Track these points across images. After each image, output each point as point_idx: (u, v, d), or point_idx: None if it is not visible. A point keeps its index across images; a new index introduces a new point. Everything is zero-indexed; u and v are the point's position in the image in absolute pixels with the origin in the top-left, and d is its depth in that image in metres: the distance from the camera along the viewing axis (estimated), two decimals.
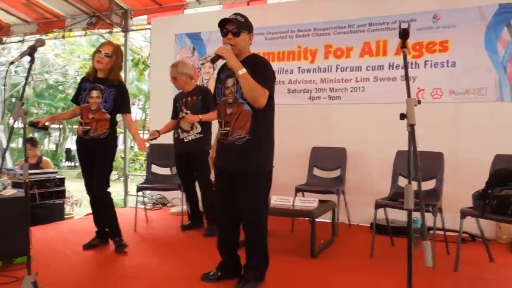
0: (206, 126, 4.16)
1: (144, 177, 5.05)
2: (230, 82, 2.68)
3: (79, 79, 14.99)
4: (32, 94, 16.07)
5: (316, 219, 4.27)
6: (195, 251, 3.59)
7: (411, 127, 1.76)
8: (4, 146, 7.44)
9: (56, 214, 4.97)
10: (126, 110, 3.58)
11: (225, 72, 2.74)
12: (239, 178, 2.65)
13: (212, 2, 5.55)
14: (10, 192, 3.40)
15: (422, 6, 4.45)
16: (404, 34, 1.97)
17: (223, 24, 2.66)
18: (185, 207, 4.54)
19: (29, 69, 2.58)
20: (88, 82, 3.49)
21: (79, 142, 3.58)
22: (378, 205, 3.41)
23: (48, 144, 18.94)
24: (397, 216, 4.00)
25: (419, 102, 1.83)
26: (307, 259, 3.34)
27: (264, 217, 2.76)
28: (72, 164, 18.15)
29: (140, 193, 4.77)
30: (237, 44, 2.63)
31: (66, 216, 5.79)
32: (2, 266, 3.03)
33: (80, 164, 3.62)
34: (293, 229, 4.30)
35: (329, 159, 4.61)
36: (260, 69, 2.61)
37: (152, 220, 4.88)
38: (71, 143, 19.04)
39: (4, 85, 2.97)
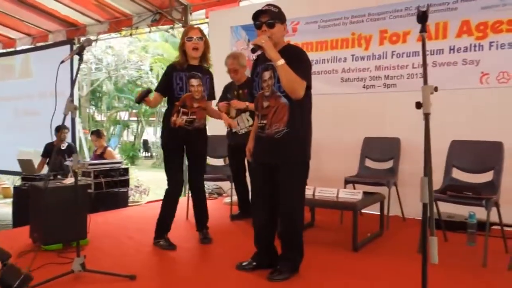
0: None
1: None
2: (267, 75, 2.67)
3: (150, 74, 15.98)
4: (113, 89, 17.32)
5: (366, 212, 4.19)
6: (240, 240, 3.66)
7: (426, 117, 1.65)
8: (83, 138, 8.11)
9: (120, 201, 5.33)
10: (214, 97, 3.59)
11: (261, 65, 2.73)
12: (276, 170, 2.65)
13: None
14: (71, 180, 3.71)
15: None
16: (423, 17, 1.83)
17: (257, 16, 2.64)
18: (235, 197, 4.64)
19: (78, 66, 2.80)
20: (182, 71, 3.35)
21: (178, 133, 3.37)
22: None
23: (127, 136, 20.28)
24: (456, 210, 3.73)
25: (435, 89, 1.71)
26: (347, 252, 3.26)
27: (301, 208, 2.75)
28: (148, 154, 19.30)
29: None
30: (273, 35, 2.60)
31: (133, 204, 6.22)
32: (62, 248, 3.34)
33: (173, 155, 3.44)
34: (342, 221, 4.20)
35: (381, 150, 4.42)
36: (297, 60, 2.58)
37: None
38: (146, 135, 20.24)
39: (74, 80, 3.05)
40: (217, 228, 4.04)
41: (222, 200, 5.52)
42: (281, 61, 2.49)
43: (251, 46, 2.61)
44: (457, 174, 3.53)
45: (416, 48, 4.44)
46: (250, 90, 2.89)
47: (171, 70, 3.39)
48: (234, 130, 4.23)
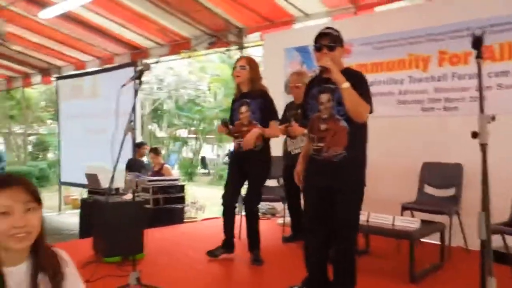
0: None
1: None
2: (324, 97, 2.66)
3: (208, 93, 16.48)
4: (174, 107, 18.01)
5: (426, 241, 3.99)
6: (291, 263, 3.62)
7: (483, 147, 1.57)
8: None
9: (176, 217, 5.50)
10: (272, 117, 3.67)
11: (317, 87, 2.72)
12: (332, 193, 2.62)
13: (320, 15, 5.56)
14: (130, 196, 3.90)
15: None
16: (477, 43, 1.74)
17: (318, 38, 2.67)
18: (288, 219, 4.61)
19: (136, 91, 2.95)
20: (236, 101, 3.73)
21: (234, 155, 3.82)
22: (493, 230, 3.01)
23: (186, 152, 20.89)
24: None
25: (493, 118, 1.62)
26: (404, 283, 3.11)
27: (356, 234, 2.72)
28: (206, 171, 19.73)
29: None
30: (333, 58, 2.59)
31: (189, 220, 6.38)
32: (121, 261, 3.48)
33: (229, 174, 3.81)
34: (399, 250, 4.03)
35: (442, 176, 4.21)
36: (360, 83, 2.58)
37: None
38: (204, 152, 20.74)
39: (134, 104, 3.25)
40: (268, 249, 4.04)
41: (275, 220, 5.51)
42: (346, 84, 2.48)
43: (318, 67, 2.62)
44: None
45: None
46: (304, 112, 2.88)
47: (232, 103, 3.85)
48: (289, 149, 4.24)
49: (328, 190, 2.63)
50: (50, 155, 18.80)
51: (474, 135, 1.62)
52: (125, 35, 7.46)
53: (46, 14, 6.58)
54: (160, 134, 20.05)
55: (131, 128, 2.81)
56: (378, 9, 5.08)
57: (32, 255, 1.29)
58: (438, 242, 3.64)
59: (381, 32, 4.88)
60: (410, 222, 3.34)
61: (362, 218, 3.33)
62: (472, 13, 4.26)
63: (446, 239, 3.66)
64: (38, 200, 1.27)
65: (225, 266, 3.62)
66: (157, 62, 8.04)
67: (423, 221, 3.41)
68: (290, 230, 4.52)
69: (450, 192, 4.15)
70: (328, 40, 2.62)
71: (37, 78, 10.45)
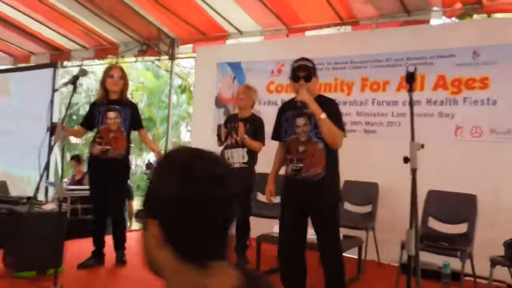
0: (253, 158, 4.09)
1: None
2: (301, 121, 2.83)
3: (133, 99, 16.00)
4: None
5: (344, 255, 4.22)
6: None
7: (413, 172, 1.75)
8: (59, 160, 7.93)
9: None
10: (141, 125, 3.90)
11: (292, 111, 2.89)
12: (313, 212, 2.79)
13: (253, 33, 5.74)
14: (50, 206, 3.64)
15: (461, 41, 4.35)
16: (410, 78, 1.96)
17: (295, 70, 2.84)
18: None
19: (71, 97, 2.82)
20: (101, 106, 3.74)
21: (94, 161, 3.78)
22: (403, 246, 3.32)
23: None
24: (429, 258, 3.83)
25: (422, 146, 1.82)
26: None
27: (340, 245, 2.91)
28: None
29: None
30: (309, 89, 2.78)
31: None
32: (36, 276, 3.23)
33: (92, 180, 3.85)
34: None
35: (360, 194, 4.54)
36: (333, 112, 2.78)
37: None
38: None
39: (67, 109, 3.23)
40: None
41: None
42: (323, 115, 2.67)
43: (298, 102, 2.77)
44: (433, 223, 3.66)
45: (394, 98, 4.66)
46: (276, 132, 3.02)
47: (92, 106, 3.84)
48: None
49: (306, 207, 2.80)
50: None
51: (406, 160, 1.79)
52: (43, 33, 6.99)
53: None
54: (74, 140, 18.86)
55: (62, 135, 2.66)
56: (309, 33, 5.37)
57: None
58: (354, 256, 3.90)
59: (310, 55, 5.08)
60: None
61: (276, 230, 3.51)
62: (392, 46, 4.70)
63: (363, 253, 3.93)
64: None
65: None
66: (81, 66, 7.63)
67: (344, 236, 3.62)
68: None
69: (367, 209, 4.47)
70: (305, 72, 2.79)
71: None
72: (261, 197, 4.97)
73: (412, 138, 1.87)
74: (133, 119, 3.79)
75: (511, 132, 4.04)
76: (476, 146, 4.16)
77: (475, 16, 4.84)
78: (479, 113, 4.19)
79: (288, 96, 5.37)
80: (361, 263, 3.85)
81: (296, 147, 2.83)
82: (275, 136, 3.05)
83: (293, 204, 2.86)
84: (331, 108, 2.78)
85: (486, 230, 3.48)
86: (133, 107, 3.85)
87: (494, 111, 4.13)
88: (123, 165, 3.79)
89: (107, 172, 3.68)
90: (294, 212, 2.84)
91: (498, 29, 4.27)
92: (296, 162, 2.81)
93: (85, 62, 7.50)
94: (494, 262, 2.87)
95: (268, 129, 5.26)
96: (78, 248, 4.37)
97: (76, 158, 6.29)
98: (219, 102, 5.82)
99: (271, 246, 4.03)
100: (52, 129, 3.53)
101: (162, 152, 4.03)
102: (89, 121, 3.80)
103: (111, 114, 3.70)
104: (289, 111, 2.92)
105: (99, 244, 3.80)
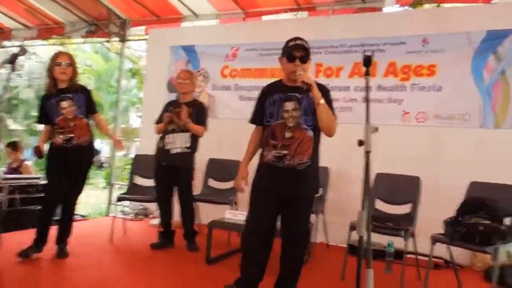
0: (195, 142, 4.09)
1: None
2: (289, 105, 2.62)
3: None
4: (34, 96, 16.21)
5: None
6: (166, 268, 3.53)
7: (367, 154, 1.78)
8: None
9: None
10: (95, 110, 3.73)
11: (280, 94, 2.67)
12: (290, 201, 2.64)
13: (209, 16, 5.64)
14: None
15: (412, 29, 4.50)
16: (367, 61, 1.99)
17: (290, 49, 2.63)
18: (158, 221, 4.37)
19: (9, 76, 2.63)
20: (52, 97, 3.54)
21: (57, 151, 3.56)
22: (352, 227, 3.43)
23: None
24: (377, 238, 3.98)
25: (376, 129, 1.85)
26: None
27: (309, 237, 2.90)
28: None
29: (122, 203, 4.74)
30: (305, 70, 2.59)
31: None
32: None
33: (51, 170, 3.60)
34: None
35: None
36: (327, 98, 2.58)
37: (130, 231, 4.77)
38: None
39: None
40: (141, 254, 3.90)
41: (147, 221, 5.36)
42: (322, 100, 2.48)
43: (301, 84, 2.47)
44: (380, 205, 3.79)
45: (347, 84, 4.75)
46: (257, 116, 2.78)
47: (43, 100, 3.61)
48: (167, 148, 4.03)
49: (284, 196, 2.64)
50: None
51: (360, 143, 1.82)
52: None
53: None
54: (14, 126, 17.88)
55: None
56: (265, 18, 5.34)
57: None
58: None
59: (266, 40, 5.13)
60: None
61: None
62: (347, 33, 4.78)
63: (312, 236, 4.00)
64: None
65: (95, 270, 3.37)
66: (20, 46, 7.16)
67: None
68: (159, 236, 4.21)
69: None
70: (302, 53, 2.60)
71: None
72: (212, 183, 4.95)
73: (367, 121, 1.89)
74: (88, 103, 3.62)
75: (453, 117, 4.25)
76: (421, 131, 4.34)
77: (426, 5, 5.00)
78: (425, 99, 4.37)
79: (242, 81, 5.37)
80: (311, 246, 3.92)
81: (282, 133, 2.63)
82: (255, 120, 2.82)
83: (269, 191, 2.69)
84: (326, 94, 2.61)
85: (428, 210, 3.65)
86: (87, 92, 3.65)
87: (439, 97, 4.32)
88: (90, 151, 3.64)
89: (72, 161, 3.53)
90: (269, 198, 2.68)
91: (447, 18, 4.44)
92: (281, 148, 2.63)
93: (26, 42, 7.06)
94: (434, 240, 3.01)
95: (219, 113, 5.25)
96: (18, 240, 4.10)
97: (12, 145, 5.91)
98: (171, 87, 5.67)
99: (222, 232, 4.04)
100: (39, 152, 3.51)
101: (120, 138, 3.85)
102: (48, 117, 3.58)
103: (64, 104, 3.52)
104: (275, 94, 2.69)
105: (43, 235, 3.55)
